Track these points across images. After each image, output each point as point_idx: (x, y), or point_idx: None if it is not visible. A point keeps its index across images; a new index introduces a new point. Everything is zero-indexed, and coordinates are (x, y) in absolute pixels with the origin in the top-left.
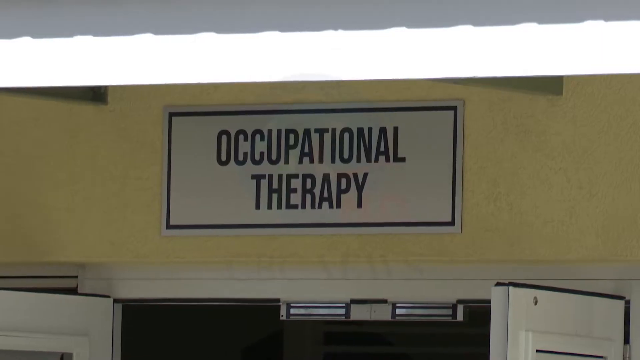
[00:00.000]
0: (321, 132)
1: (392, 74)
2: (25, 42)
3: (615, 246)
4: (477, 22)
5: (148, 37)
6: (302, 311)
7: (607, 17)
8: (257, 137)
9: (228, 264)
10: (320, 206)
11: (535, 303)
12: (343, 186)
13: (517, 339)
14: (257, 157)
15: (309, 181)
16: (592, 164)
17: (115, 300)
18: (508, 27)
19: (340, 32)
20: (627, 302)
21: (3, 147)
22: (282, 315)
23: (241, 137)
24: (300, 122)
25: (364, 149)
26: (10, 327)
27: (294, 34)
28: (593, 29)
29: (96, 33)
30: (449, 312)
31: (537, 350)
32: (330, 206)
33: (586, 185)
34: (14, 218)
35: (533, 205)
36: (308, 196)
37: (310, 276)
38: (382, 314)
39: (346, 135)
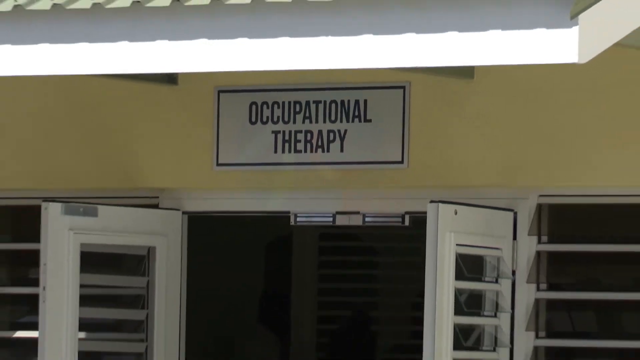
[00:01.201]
0: (317, 102)
1: (364, 64)
2: (123, 45)
3: (508, 177)
4: (419, 30)
5: (204, 41)
6: (304, 219)
7: (504, 28)
8: (275, 106)
9: (256, 189)
10: (316, 151)
11: (456, 213)
12: (331, 138)
13: (444, 237)
14: (275, 119)
15: (309, 135)
16: (496, 123)
17: (183, 212)
18: (439, 34)
19: (330, 37)
20: (515, 213)
21: (106, 113)
22: (291, 222)
23: (264, 105)
24: (303, 96)
25: (345, 114)
26: (120, 230)
27: (299, 39)
28: (494, 35)
29: (170, 38)
30: (400, 219)
31: (457, 244)
32: (323, 151)
33: (490, 137)
34: (115, 160)
35: (455, 151)
36: (308, 144)
37: (309, 196)
38: (356, 220)
39: (333, 105)
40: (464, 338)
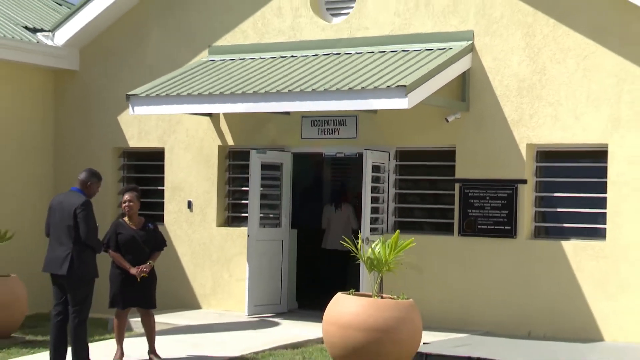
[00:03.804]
0: (331, 120)
1: (324, 107)
2: (273, 103)
3: (387, 141)
4: (341, 98)
5: (297, 103)
6: (327, 156)
7: (388, 97)
8: (318, 120)
9: (312, 145)
10: (330, 134)
11: (372, 153)
12: (335, 130)
13: (369, 160)
14: (318, 124)
15: (328, 129)
16: (384, 125)
17: (292, 153)
18: (360, 100)
19: (307, 102)
20: (389, 153)
21: (265, 123)
22: (323, 156)
23: (315, 121)
24: (325, 118)
25: (339, 123)
26: (273, 158)
27: (293, 102)
28: (380, 101)
29: (289, 100)
30: (356, 154)
31: (372, 162)
32: (332, 135)
33: (383, 129)
34: (270, 136)
35: (374, 134)
36: (328, 133)
37: (328, 148)
38: (341, 155)
39: (336, 120)
40: (373, 191)
